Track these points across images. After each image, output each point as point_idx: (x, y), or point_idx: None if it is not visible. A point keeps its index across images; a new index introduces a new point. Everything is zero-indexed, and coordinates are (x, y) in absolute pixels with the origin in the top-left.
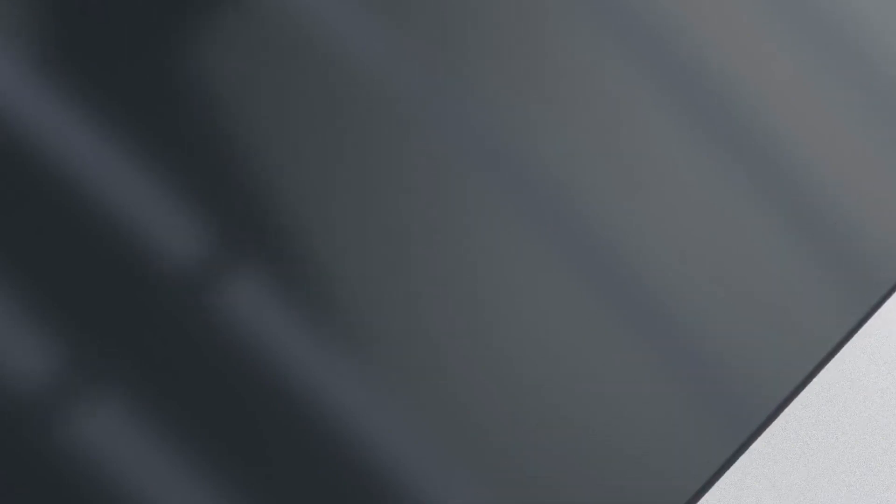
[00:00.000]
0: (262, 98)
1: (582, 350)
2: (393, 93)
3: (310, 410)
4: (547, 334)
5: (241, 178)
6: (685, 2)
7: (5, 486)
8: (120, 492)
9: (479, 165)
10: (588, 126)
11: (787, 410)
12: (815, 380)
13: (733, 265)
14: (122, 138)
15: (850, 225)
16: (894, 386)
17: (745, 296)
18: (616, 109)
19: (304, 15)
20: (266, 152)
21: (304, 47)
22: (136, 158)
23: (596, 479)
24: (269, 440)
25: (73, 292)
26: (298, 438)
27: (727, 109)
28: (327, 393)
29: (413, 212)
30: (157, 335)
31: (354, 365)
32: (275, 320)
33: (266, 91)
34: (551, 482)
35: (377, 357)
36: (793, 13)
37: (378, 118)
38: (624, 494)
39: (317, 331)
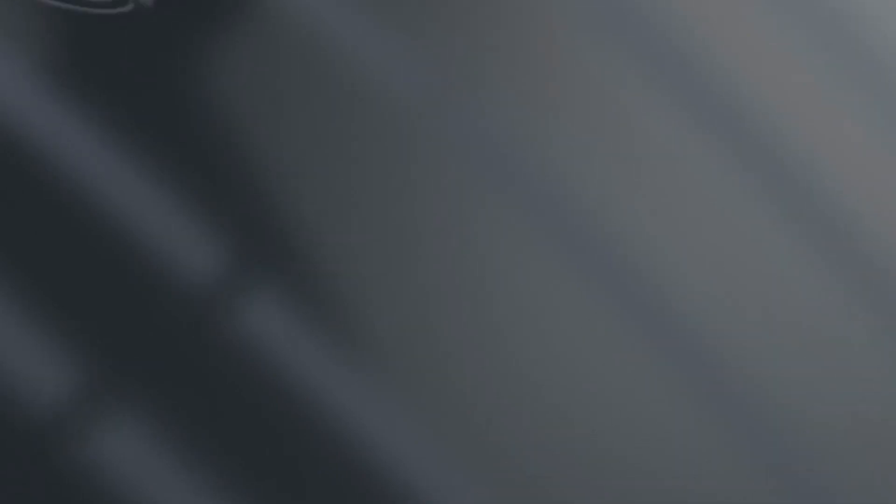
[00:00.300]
0: (277, 111)
1: (594, 360)
2: (407, 106)
3: (321, 420)
4: (559, 344)
5: (256, 193)
6: (704, 16)
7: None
8: None
9: (498, 181)
10: (604, 137)
11: None
12: None
13: (756, 284)
14: (137, 154)
15: None
16: None
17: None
18: (633, 120)
19: (318, 27)
20: (281, 167)
21: (319, 62)
22: (151, 175)
23: (598, 482)
24: (281, 449)
25: (89, 309)
26: (311, 447)
27: (748, 124)
28: (342, 405)
29: (428, 224)
30: (172, 353)
31: (369, 377)
32: (290, 334)
33: (280, 104)
34: (556, 487)
35: (392, 369)
36: (811, 23)
37: (394, 132)
38: (626, 498)
39: (331, 342)
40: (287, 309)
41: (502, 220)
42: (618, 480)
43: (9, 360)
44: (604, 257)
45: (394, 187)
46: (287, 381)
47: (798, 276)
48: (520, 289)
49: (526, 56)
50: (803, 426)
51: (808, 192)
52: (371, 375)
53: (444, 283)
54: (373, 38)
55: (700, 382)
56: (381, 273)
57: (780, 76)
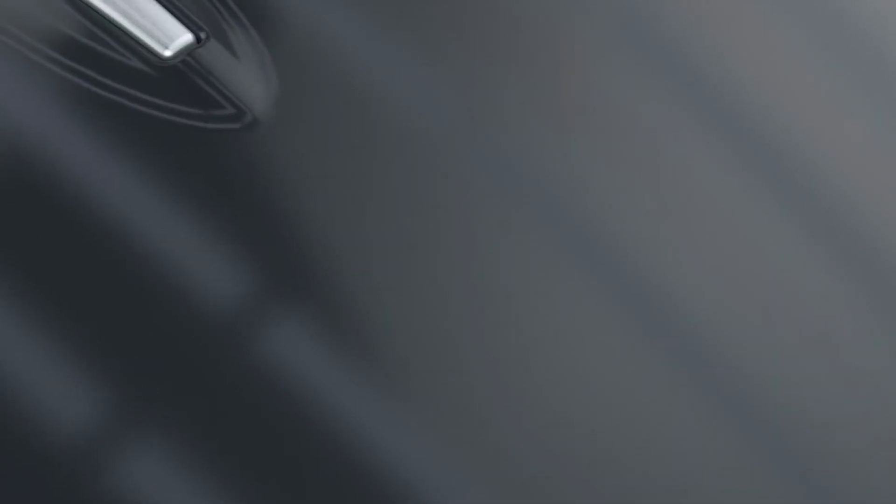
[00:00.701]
0: (301, 139)
1: (594, 360)
2: (431, 133)
3: (321, 420)
4: (560, 344)
5: (280, 220)
6: (707, 16)
7: None
8: None
9: (522, 207)
10: (627, 159)
11: None
12: None
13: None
14: (159, 177)
15: None
16: None
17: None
18: (636, 120)
19: (341, 55)
20: (305, 193)
21: (341, 88)
22: (172, 199)
23: (598, 482)
24: (281, 449)
25: (113, 335)
26: (311, 447)
27: (750, 123)
28: (342, 405)
29: (452, 250)
30: (198, 379)
31: (369, 377)
32: (315, 362)
33: (304, 130)
34: (556, 487)
35: (391, 369)
36: (813, 22)
37: (417, 159)
38: (626, 498)
39: (357, 371)
40: (291, 317)
41: (504, 221)
42: (618, 480)
43: (31, 384)
44: (604, 257)
45: (430, 224)
46: (288, 381)
47: (798, 275)
48: (519, 290)
49: (538, 68)
50: (803, 426)
51: (810, 192)
52: (371, 376)
53: (444, 285)
54: (408, 75)
55: (700, 382)
56: (386, 278)
57: (782, 76)
